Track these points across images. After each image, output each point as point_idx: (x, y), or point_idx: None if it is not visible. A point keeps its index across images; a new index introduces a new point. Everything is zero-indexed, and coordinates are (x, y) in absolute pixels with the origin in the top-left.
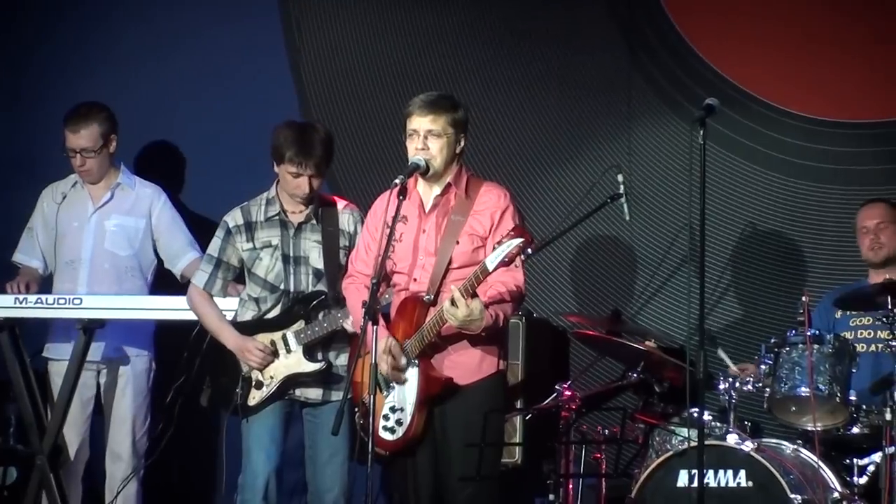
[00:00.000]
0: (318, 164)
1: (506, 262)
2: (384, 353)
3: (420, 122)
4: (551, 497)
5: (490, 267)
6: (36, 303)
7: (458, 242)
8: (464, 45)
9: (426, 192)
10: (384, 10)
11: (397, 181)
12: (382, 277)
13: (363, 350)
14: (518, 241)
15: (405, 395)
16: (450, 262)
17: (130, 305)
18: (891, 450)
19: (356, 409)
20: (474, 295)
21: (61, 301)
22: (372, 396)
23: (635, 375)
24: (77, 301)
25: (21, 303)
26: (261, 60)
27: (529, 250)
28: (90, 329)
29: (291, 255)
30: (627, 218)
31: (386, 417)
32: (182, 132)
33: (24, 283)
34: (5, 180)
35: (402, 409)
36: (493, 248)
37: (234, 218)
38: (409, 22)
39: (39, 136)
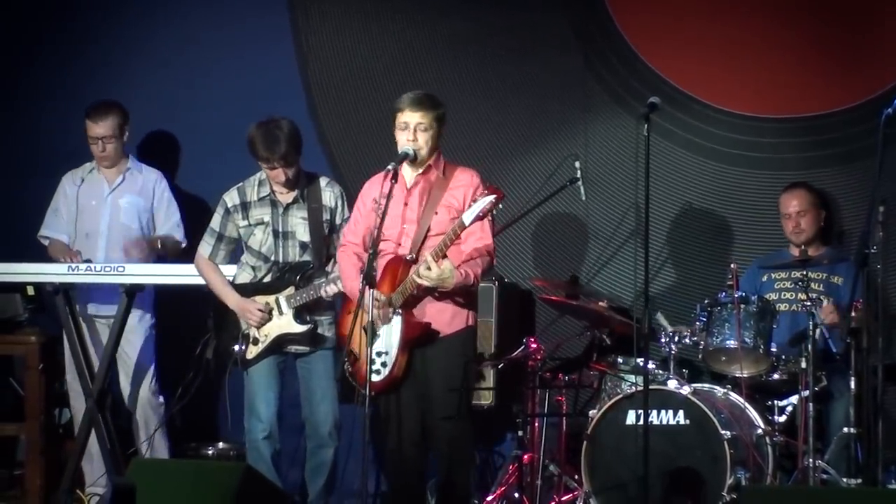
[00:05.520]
0: (285, 157)
1: (480, 217)
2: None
3: (411, 117)
4: (520, 433)
5: (466, 221)
6: (86, 270)
7: (436, 213)
8: (448, 52)
9: (408, 172)
10: (384, 20)
11: (390, 167)
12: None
13: (354, 308)
14: (491, 197)
15: (390, 340)
16: (428, 229)
17: (163, 272)
18: (806, 393)
19: (345, 359)
20: (444, 256)
21: (107, 268)
22: (369, 349)
23: (590, 331)
24: (121, 268)
25: (73, 270)
26: (269, 54)
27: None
28: (132, 292)
29: (281, 230)
30: (584, 198)
31: (373, 361)
32: (191, 123)
33: (73, 254)
34: (31, 168)
35: (386, 353)
36: (469, 206)
37: (231, 198)
38: (402, 31)
39: (56, 129)
